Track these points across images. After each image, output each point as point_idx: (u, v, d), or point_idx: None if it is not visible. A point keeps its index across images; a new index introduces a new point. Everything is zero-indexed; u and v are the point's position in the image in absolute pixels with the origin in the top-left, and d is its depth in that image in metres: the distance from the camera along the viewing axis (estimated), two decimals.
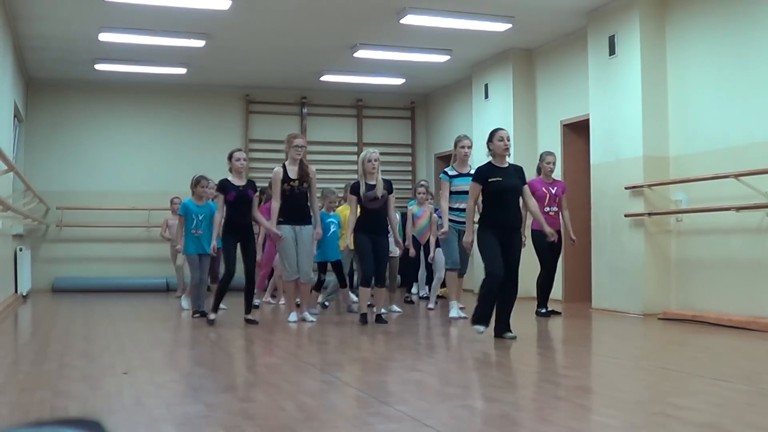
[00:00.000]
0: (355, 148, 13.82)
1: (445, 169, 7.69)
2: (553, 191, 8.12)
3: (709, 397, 3.99)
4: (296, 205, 7.50)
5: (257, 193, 7.81)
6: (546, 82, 10.86)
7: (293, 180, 7.45)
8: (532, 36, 10.35)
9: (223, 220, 7.56)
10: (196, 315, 8.13)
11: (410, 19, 9.20)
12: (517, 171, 6.30)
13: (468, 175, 7.26)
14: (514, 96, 11.03)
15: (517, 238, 6.21)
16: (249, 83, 13.29)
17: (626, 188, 8.49)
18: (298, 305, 7.99)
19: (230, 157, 7.65)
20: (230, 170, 7.61)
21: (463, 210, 7.14)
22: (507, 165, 6.26)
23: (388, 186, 7.48)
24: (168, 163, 13.01)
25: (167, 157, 13.10)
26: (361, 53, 10.90)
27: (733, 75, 7.58)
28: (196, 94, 13.38)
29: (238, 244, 7.51)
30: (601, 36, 9.02)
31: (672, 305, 8.16)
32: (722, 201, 7.44)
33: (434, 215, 9.12)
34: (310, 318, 7.63)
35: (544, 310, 8.19)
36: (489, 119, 11.61)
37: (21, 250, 10.70)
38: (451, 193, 7.55)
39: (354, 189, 7.48)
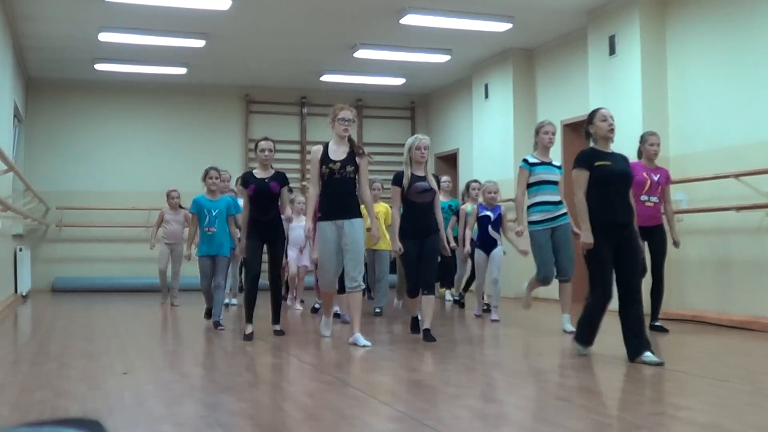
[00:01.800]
0: None
1: (525, 157, 6.67)
2: (656, 178, 6.83)
3: (709, 397, 3.99)
4: (338, 195, 5.97)
5: (286, 187, 6.71)
6: (546, 82, 10.86)
7: (333, 162, 5.95)
8: (532, 36, 10.35)
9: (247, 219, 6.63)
10: (221, 327, 7.11)
11: (410, 19, 9.21)
12: (624, 159, 5.29)
13: (551, 164, 6.61)
14: (514, 96, 11.03)
15: (635, 236, 5.19)
16: (249, 83, 13.29)
17: None
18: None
19: (255, 147, 6.84)
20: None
21: (553, 203, 6.43)
22: (611, 151, 5.23)
23: (437, 179, 6.54)
24: (168, 163, 13.01)
25: (167, 157, 13.10)
26: (361, 53, 10.90)
27: (733, 75, 7.58)
28: (196, 94, 13.38)
29: (264, 246, 6.61)
30: (601, 36, 9.02)
31: (672, 305, 8.15)
32: (722, 201, 7.44)
33: (463, 207, 8.50)
34: (362, 341, 5.94)
35: (657, 323, 6.87)
36: (489, 119, 11.63)
37: (21, 250, 10.70)
38: (532, 184, 6.53)
39: (397, 180, 6.31)
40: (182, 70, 11.94)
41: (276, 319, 6.62)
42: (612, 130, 5.18)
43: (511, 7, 9.03)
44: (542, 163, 6.58)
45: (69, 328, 7.39)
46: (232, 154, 13.34)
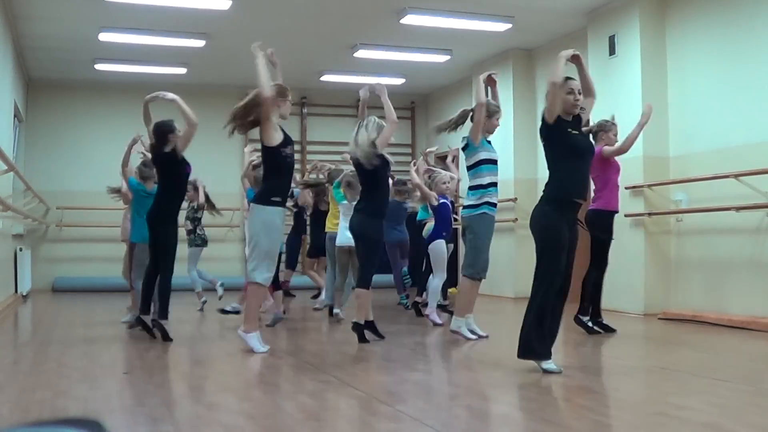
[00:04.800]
0: None
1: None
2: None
3: (709, 397, 3.99)
4: (290, 180, 5.78)
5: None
6: (546, 82, 10.83)
7: (292, 144, 5.69)
8: (532, 36, 10.35)
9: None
10: (140, 326, 6.62)
11: (410, 19, 9.21)
12: (585, 136, 4.88)
13: (490, 143, 6.13)
14: (514, 96, 11.02)
15: (576, 222, 4.65)
16: (249, 83, 13.14)
17: (626, 188, 8.47)
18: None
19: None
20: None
21: (496, 186, 5.81)
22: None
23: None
24: None
25: None
26: (361, 53, 10.90)
27: (733, 75, 7.58)
28: (196, 94, 13.30)
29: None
30: (601, 36, 9.02)
31: (672, 305, 8.16)
32: (722, 201, 7.44)
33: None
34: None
35: (600, 320, 6.70)
36: None
37: (21, 250, 10.70)
38: (477, 163, 5.94)
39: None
40: (182, 70, 11.94)
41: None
42: (575, 105, 4.72)
43: (511, 7, 9.03)
44: (488, 142, 6.08)
45: (69, 329, 7.39)
46: (233, 154, 13.33)
